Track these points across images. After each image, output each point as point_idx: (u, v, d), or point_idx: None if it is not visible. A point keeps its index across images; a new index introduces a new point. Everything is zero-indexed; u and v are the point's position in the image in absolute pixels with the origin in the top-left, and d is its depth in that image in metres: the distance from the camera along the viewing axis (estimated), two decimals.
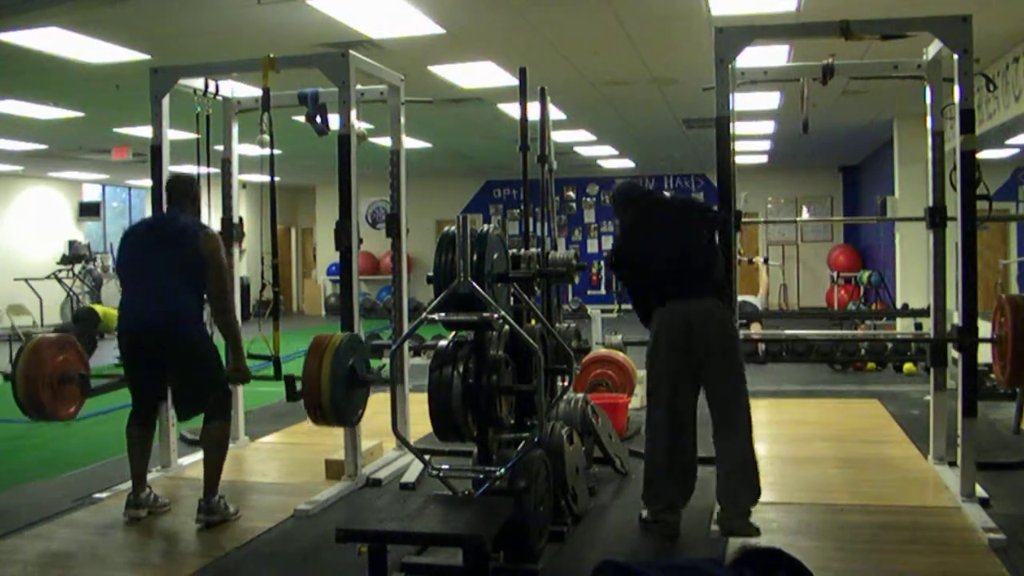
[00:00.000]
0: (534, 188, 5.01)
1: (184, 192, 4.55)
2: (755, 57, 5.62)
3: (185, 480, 5.04)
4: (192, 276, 4.29)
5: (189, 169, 5.46)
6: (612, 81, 8.34)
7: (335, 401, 4.21)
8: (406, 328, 5.36)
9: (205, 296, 4.37)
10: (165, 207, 4.62)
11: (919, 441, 5.48)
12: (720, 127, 4.43)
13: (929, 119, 4.91)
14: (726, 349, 4.01)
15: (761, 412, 6.76)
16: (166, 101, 5.15)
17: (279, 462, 5.74)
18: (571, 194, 16.75)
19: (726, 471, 3.95)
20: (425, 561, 3.49)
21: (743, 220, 4.72)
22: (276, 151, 5.05)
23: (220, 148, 5.81)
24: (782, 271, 16.58)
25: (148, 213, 4.61)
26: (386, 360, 5.38)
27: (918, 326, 8.46)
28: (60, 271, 14.30)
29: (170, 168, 5.20)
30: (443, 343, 3.88)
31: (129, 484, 4.42)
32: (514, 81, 5.30)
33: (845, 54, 5.02)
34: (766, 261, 13.85)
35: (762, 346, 7.72)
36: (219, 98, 5.63)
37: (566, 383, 4.62)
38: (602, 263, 17.77)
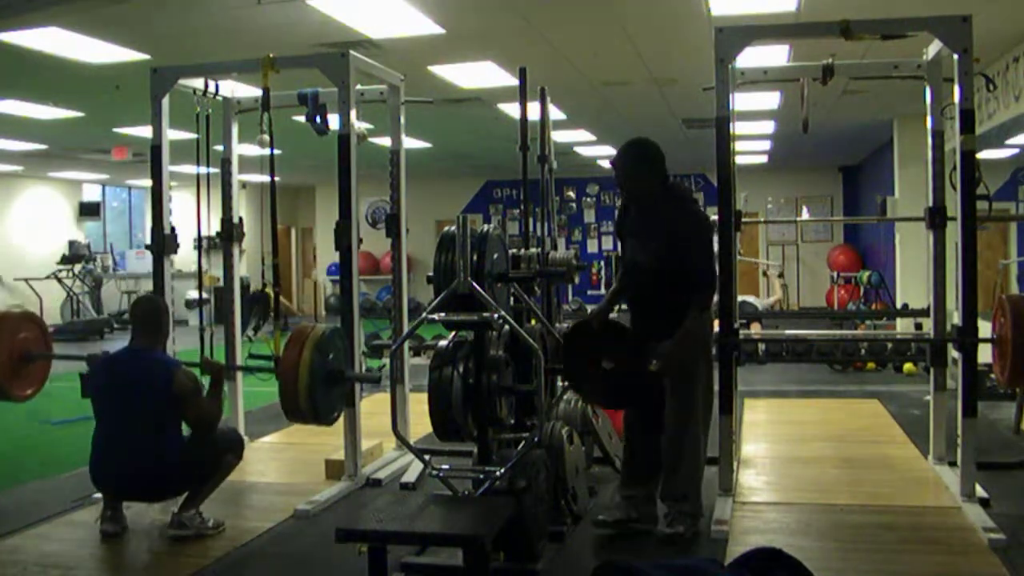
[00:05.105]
0: (534, 188, 5.02)
1: (154, 324, 4.16)
2: (755, 57, 5.61)
3: None
4: (168, 416, 4.00)
5: (189, 169, 5.46)
6: (612, 81, 8.34)
7: (312, 397, 4.02)
8: (406, 328, 5.36)
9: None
10: (131, 338, 4.19)
11: (919, 441, 5.48)
12: (720, 127, 4.43)
13: (929, 119, 4.91)
14: None
15: (761, 412, 6.82)
16: (166, 101, 5.14)
17: (279, 462, 5.74)
18: (571, 194, 16.76)
19: None
20: (425, 561, 3.50)
21: (743, 220, 4.72)
22: (276, 151, 5.04)
23: (220, 148, 5.81)
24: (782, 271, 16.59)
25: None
26: (386, 360, 5.37)
27: (918, 326, 8.45)
28: (60, 271, 14.32)
29: (170, 168, 5.20)
30: (443, 343, 3.88)
31: None
32: (514, 81, 5.30)
33: (845, 54, 5.01)
34: (781, 276, 13.90)
35: (762, 346, 7.71)
36: (219, 98, 5.62)
37: (566, 383, 4.62)
38: (602, 263, 17.76)
